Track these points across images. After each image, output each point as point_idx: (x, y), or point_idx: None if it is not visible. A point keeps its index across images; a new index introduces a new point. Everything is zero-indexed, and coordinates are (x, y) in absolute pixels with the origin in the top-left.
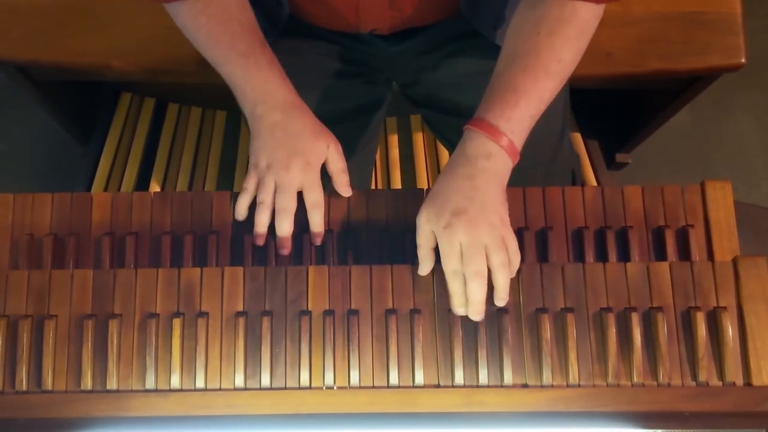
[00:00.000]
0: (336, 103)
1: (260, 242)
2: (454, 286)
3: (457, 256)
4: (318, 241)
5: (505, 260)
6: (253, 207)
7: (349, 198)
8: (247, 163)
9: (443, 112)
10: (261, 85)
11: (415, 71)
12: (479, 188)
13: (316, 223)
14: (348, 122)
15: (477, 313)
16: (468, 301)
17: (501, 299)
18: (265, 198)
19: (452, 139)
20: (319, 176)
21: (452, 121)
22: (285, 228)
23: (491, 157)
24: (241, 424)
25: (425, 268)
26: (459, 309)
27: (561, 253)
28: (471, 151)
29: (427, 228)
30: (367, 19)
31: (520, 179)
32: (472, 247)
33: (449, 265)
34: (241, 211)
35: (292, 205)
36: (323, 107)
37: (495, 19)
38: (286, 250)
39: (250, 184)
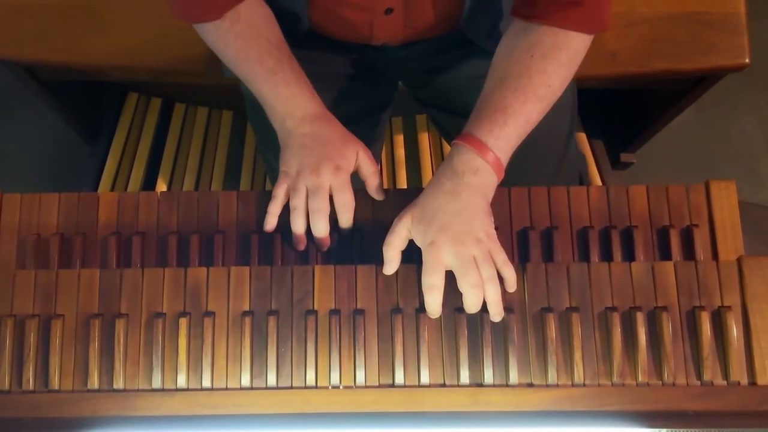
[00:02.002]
0: (344, 105)
1: (302, 247)
2: (430, 300)
3: (440, 273)
4: (345, 233)
5: (494, 274)
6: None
7: (354, 198)
8: (254, 162)
9: (450, 113)
10: (289, 100)
11: (424, 73)
12: (464, 204)
13: (346, 223)
14: (355, 123)
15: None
16: (465, 307)
17: (496, 314)
18: (298, 203)
19: (455, 136)
20: (349, 180)
21: (459, 121)
22: (321, 228)
23: (478, 172)
24: (247, 423)
25: (391, 268)
26: (432, 316)
27: (566, 252)
28: (458, 165)
29: (405, 231)
30: (380, 35)
31: (528, 179)
32: (462, 262)
33: (429, 280)
34: (272, 221)
35: (325, 207)
36: (332, 110)
37: (490, 31)
38: (325, 248)
39: (280, 191)
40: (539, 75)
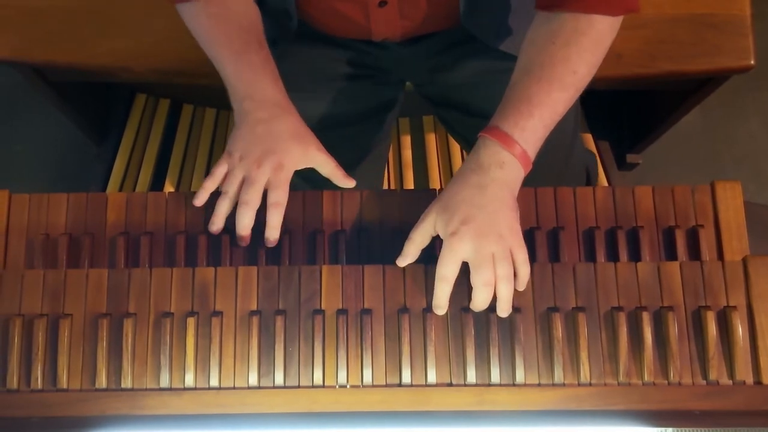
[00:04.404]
0: (349, 105)
1: (215, 231)
2: (440, 291)
3: (456, 264)
4: (270, 244)
5: (510, 273)
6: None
7: (361, 198)
8: None
9: (458, 111)
10: (251, 83)
11: (429, 71)
12: (490, 197)
13: (273, 225)
14: (362, 123)
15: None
16: (471, 302)
17: (504, 310)
18: (229, 189)
19: (467, 136)
20: (289, 180)
21: (467, 119)
22: (245, 223)
23: (504, 165)
24: (254, 422)
25: (405, 260)
26: (438, 310)
27: (572, 252)
28: (485, 159)
29: (430, 227)
30: (378, 30)
31: (534, 179)
32: (480, 258)
33: (443, 270)
34: (203, 197)
35: (255, 200)
36: (337, 109)
37: (498, 27)
38: (243, 243)
39: (219, 170)
40: (563, 62)
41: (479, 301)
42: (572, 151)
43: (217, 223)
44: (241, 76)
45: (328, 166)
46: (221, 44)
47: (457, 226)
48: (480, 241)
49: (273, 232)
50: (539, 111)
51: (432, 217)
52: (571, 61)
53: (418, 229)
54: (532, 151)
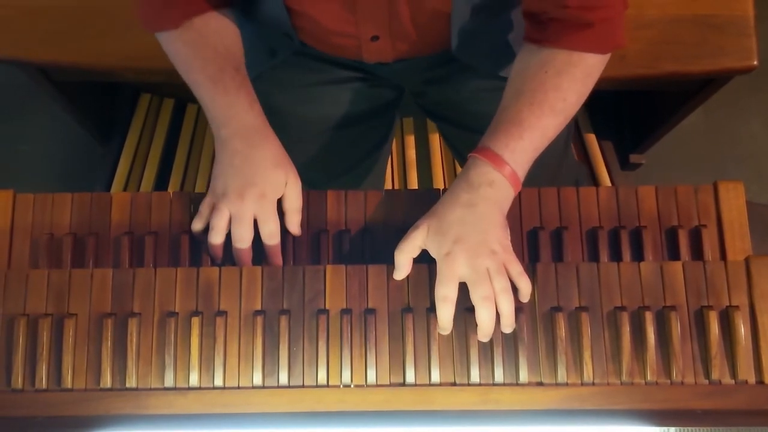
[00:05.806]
0: (350, 107)
1: (219, 256)
2: (442, 313)
3: (454, 284)
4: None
5: (507, 286)
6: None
7: (365, 198)
8: None
9: (449, 123)
10: (226, 109)
11: (422, 83)
12: (480, 215)
13: (274, 253)
14: (363, 124)
15: (485, 336)
16: (478, 326)
17: (507, 326)
18: (218, 223)
19: (459, 148)
20: (275, 207)
21: (461, 133)
22: (243, 258)
23: (494, 184)
24: (259, 421)
25: (401, 274)
26: (443, 331)
27: (576, 252)
28: (474, 178)
29: (420, 242)
30: (370, 57)
31: (526, 184)
32: (476, 274)
33: (442, 291)
34: (197, 234)
35: (248, 235)
36: (338, 112)
37: (490, 52)
38: (245, 265)
39: (205, 208)
40: (555, 90)
41: (484, 319)
42: (563, 160)
43: (217, 256)
44: (217, 103)
45: (293, 204)
46: (197, 70)
47: (450, 247)
48: (474, 259)
49: (276, 260)
50: (530, 134)
51: (423, 233)
52: (562, 88)
53: (409, 240)
54: (521, 172)
